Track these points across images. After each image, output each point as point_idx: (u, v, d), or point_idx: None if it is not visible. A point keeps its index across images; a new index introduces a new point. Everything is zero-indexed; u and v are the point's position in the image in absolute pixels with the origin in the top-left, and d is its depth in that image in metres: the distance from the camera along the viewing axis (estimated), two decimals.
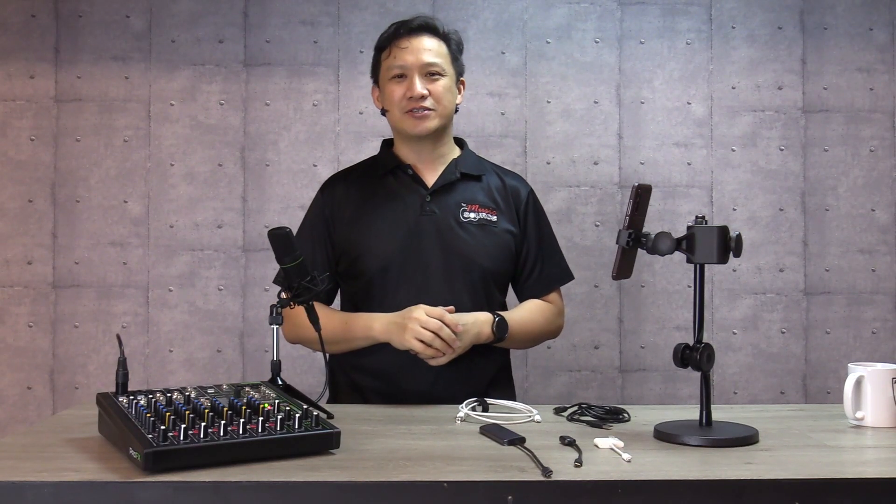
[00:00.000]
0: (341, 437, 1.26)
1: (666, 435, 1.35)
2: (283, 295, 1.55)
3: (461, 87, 1.90)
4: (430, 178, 1.87)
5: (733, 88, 2.76)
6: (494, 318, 1.76)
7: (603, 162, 2.75)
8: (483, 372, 1.83)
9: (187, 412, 1.23)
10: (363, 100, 2.73)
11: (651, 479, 1.12)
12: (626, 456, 1.22)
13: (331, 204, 1.89)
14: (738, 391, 2.75)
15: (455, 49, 1.87)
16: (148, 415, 1.20)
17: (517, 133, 2.75)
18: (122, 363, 1.36)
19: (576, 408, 1.55)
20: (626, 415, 1.51)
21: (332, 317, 1.80)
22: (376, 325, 1.74)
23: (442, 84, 1.82)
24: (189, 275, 2.72)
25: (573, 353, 2.74)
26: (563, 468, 1.16)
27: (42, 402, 2.70)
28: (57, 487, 1.08)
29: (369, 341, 1.76)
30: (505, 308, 1.91)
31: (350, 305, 1.89)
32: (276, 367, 1.52)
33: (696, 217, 1.40)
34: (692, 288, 1.55)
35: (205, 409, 1.23)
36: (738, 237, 1.38)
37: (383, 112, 1.89)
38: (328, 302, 1.93)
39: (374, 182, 1.89)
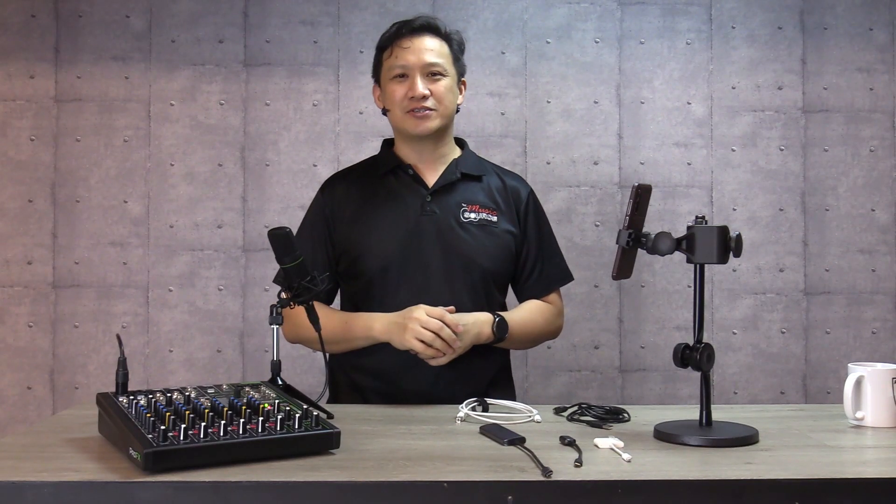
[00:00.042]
0: (341, 437, 1.26)
1: (666, 435, 1.35)
2: (283, 295, 1.55)
3: (462, 87, 1.90)
4: (431, 179, 1.87)
5: (733, 88, 2.76)
6: (495, 319, 1.76)
7: (603, 162, 2.75)
8: (483, 372, 1.83)
9: (187, 412, 1.23)
10: (363, 100, 2.73)
11: (651, 479, 1.12)
12: (626, 456, 1.22)
13: (331, 203, 1.89)
14: (738, 391, 2.75)
15: (457, 49, 1.87)
16: (148, 415, 1.20)
17: (517, 133, 2.75)
18: (122, 363, 1.36)
19: (576, 408, 1.54)
20: (626, 415, 1.51)
21: (332, 317, 1.80)
22: (376, 324, 1.74)
23: (443, 84, 1.82)
24: (189, 275, 2.72)
25: (573, 353, 2.74)
26: (563, 468, 1.16)
27: (42, 402, 2.70)
28: (57, 487, 1.08)
29: (369, 341, 1.76)
30: (505, 308, 1.91)
31: (350, 305, 1.89)
32: (276, 367, 1.52)
33: (696, 217, 1.40)
34: (692, 288, 1.55)
35: (205, 409, 1.23)
36: (738, 237, 1.38)
37: (384, 112, 1.89)
38: (328, 302, 1.93)
39: (375, 182, 1.89)
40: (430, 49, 1.81)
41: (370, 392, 1.82)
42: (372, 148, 2.19)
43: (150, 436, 1.15)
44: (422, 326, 1.65)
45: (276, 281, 1.84)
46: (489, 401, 1.62)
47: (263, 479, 1.10)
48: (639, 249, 1.42)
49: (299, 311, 1.62)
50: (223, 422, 1.19)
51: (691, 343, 1.40)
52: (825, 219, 2.75)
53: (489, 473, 1.14)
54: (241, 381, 1.49)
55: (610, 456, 1.24)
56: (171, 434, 1.15)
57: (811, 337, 2.75)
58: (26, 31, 2.72)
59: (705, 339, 1.40)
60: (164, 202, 2.73)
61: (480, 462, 1.20)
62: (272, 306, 1.53)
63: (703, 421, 1.39)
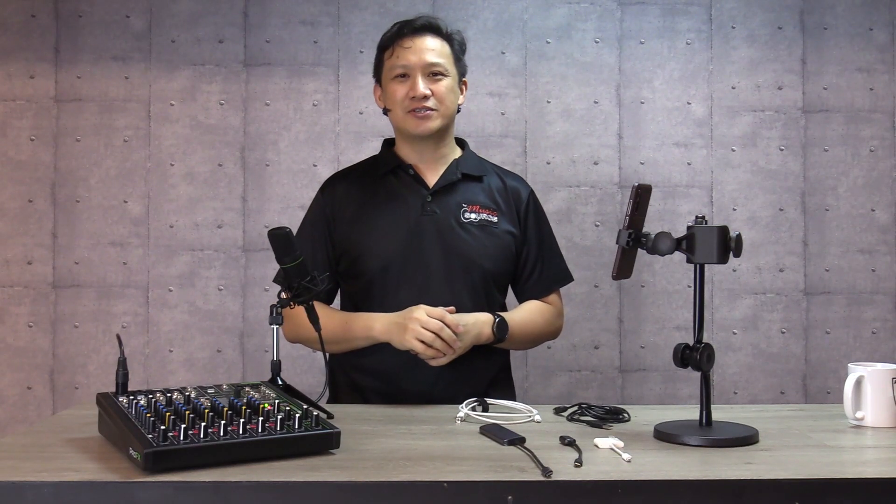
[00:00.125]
0: (341, 437, 1.26)
1: (666, 435, 1.35)
2: (283, 295, 1.55)
3: (463, 87, 1.90)
4: (432, 179, 1.87)
5: (733, 88, 2.76)
6: (495, 319, 1.76)
7: (603, 162, 2.75)
8: (483, 372, 1.83)
9: (187, 412, 1.23)
10: (363, 100, 2.73)
11: (651, 479, 1.12)
12: (626, 456, 1.22)
13: (331, 203, 1.89)
14: (738, 391, 2.75)
15: (458, 49, 1.87)
16: (148, 415, 1.20)
17: (517, 133, 2.75)
18: (122, 363, 1.36)
19: (576, 408, 1.54)
20: (626, 415, 1.51)
21: (332, 317, 1.80)
22: (377, 325, 1.74)
23: (444, 84, 1.82)
24: (189, 275, 2.72)
25: (573, 353, 2.74)
26: (563, 468, 1.16)
27: (42, 402, 2.70)
28: (57, 487, 1.08)
29: (369, 341, 1.76)
30: (505, 309, 1.91)
31: (350, 305, 1.89)
32: (276, 367, 1.52)
33: (696, 217, 1.40)
34: (692, 288, 1.55)
35: (205, 409, 1.23)
36: (738, 237, 1.38)
37: (385, 111, 1.89)
38: (328, 302, 1.93)
39: (375, 182, 1.89)
40: (432, 49, 1.81)
41: (370, 392, 1.82)
42: (372, 148, 2.19)
43: (150, 436, 1.15)
44: (422, 327, 1.65)
45: (276, 281, 1.84)
46: (489, 401, 1.62)
47: (263, 479, 1.10)
48: (639, 249, 1.42)
49: (299, 311, 1.62)
50: (223, 422, 1.19)
51: (691, 343, 1.40)
52: (825, 219, 2.75)
53: (489, 473, 1.14)
54: (241, 381, 1.49)
55: (610, 456, 1.24)
56: (171, 434, 1.15)
57: (811, 337, 2.75)
58: (26, 31, 2.72)
59: (705, 339, 1.40)
60: (164, 202, 2.73)
61: (480, 462, 1.20)
62: (272, 306, 1.53)
63: (703, 421, 1.39)
